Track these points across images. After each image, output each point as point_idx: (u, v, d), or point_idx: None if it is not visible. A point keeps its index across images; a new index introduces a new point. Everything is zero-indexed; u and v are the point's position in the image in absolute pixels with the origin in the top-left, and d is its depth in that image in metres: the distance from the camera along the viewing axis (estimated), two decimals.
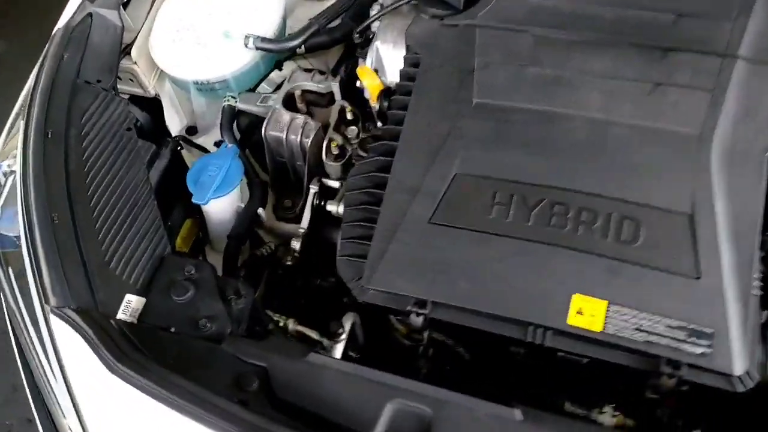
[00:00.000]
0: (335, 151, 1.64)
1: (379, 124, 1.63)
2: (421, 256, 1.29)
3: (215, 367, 1.21)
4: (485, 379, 1.39)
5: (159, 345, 1.26)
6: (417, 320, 1.28)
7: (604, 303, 1.20)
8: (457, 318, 1.27)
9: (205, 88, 1.82)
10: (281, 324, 1.48)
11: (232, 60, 1.78)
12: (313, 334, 1.48)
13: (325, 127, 1.72)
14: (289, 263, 1.68)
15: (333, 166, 1.64)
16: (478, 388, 1.22)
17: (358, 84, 1.68)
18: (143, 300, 1.34)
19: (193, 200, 1.55)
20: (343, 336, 1.42)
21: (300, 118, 1.69)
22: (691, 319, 1.17)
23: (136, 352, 1.23)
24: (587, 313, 1.20)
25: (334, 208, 1.54)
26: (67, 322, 1.25)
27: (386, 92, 1.60)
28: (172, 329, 1.28)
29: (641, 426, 1.28)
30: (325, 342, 1.46)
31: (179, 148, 1.78)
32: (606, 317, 1.19)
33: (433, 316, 1.27)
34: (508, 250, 1.25)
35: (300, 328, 1.48)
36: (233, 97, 1.80)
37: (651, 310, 1.18)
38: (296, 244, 1.57)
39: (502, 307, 1.23)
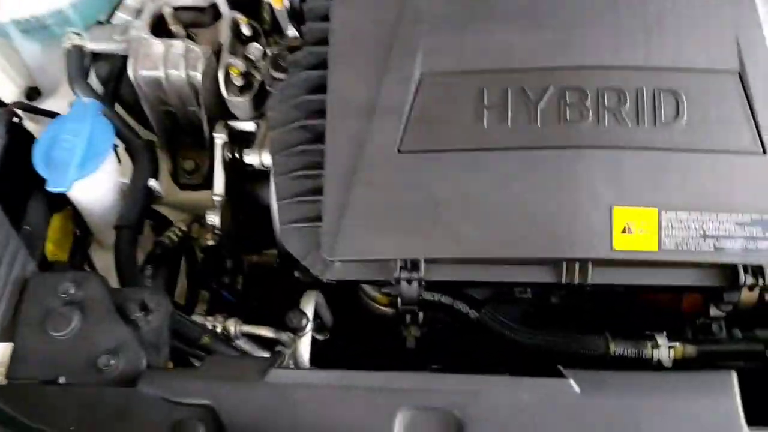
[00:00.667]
0: (238, 81, 1.20)
1: (292, 32, 1.19)
2: (397, 201, 0.92)
3: (137, 422, 0.86)
4: (494, 343, 1.08)
5: (47, 409, 0.87)
6: (409, 288, 0.93)
7: (654, 211, 0.89)
8: (463, 273, 0.93)
9: (34, 27, 1.29)
10: (219, 330, 1.09)
11: None
12: (268, 332, 1.10)
13: (216, 52, 1.25)
14: (210, 244, 1.26)
15: (239, 102, 1.20)
16: (498, 358, 0.91)
17: None
18: (9, 346, 0.92)
19: (49, 188, 1.07)
20: (308, 327, 1.05)
21: (178, 45, 1.21)
22: (765, 208, 0.89)
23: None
24: (636, 229, 0.90)
25: (255, 158, 1.12)
26: None
27: None
28: (61, 380, 0.88)
29: (707, 352, 1.04)
30: (285, 338, 1.09)
31: (16, 119, 1.26)
32: (660, 230, 0.89)
33: (430, 279, 0.93)
34: (515, 168, 0.91)
35: (247, 328, 1.09)
36: (78, 34, 1.29)
37: (714, 207, 0.89)
38: (214, 218, 1.14)
39: (521, 246, 0.90)
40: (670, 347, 1.03)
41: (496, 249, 0.90)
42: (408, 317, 1.19)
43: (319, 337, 1.29)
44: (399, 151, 0.93)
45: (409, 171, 0.92)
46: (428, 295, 1.09)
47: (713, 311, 0.97)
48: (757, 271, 0.88)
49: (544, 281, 0.91)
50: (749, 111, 0.91)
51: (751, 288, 0.89)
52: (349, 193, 0.92)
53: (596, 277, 0.90)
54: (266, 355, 1.12)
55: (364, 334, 1.33)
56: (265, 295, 1.34)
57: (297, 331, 1.04)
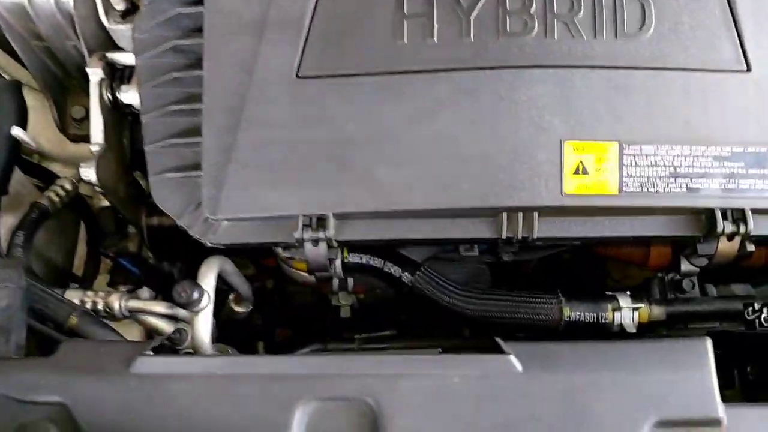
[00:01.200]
0: (119, 5, 0.98)
1: None
2: (296, 141, 0.73)
3: None
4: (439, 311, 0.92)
5: None
6: (316, 251, 0.75)
7: (613, 146, 0.72)
8: (381, 231, 0.75)
9: None
10: (101, 307, 0.90)
11: None
12: (161, 308, 0.92)
13: None
14: (104, 205, 1.07)
15: (123, 31, 0.98)
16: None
17: None
18: None
19: None
20: (205, 301, 0.87)
21: None
22: (748, 139, 0.73)
23: None
24: (591, 168, 0.73)
25: (133, 97, 0.91)
26: None
27: None
28: None
29: (677, 314, 0.89)
30: (183, 315, 0.91)
31: None
32: (621, 168, 0.72)
33: (341, 239, 0.75)
34: (442, 95, 0.72)
35: (135, 304, 0.91)
36: None
37: (687, 139, 0.72)
38: (89, 172, 0.94)
39: (451, 195, 0.72)
40: (634, 309, 0.88)
41: (421, 199, 0.73)
42: (335, 283, 1.02)
43: (239, 309, 1.12)
44: (297, 76, 0.74)
45: (311, 102, 0.73)
46: (354, 257, 0.92)
47: (685, 266, 0.82)
48: (738, 216, 0.72)
49: (481, 237, 0.74)
50: (730, 19, 0.73)
51: (730, 237, 0.73)
52: (235, 133, 0.73)
53: (544, 229, 0.73)
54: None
55: (298, 304, 1.17)
56: (173, 264, 1.15)
57: (188, 306, 0.86)
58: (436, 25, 0.72)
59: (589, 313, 0.88)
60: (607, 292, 0.90)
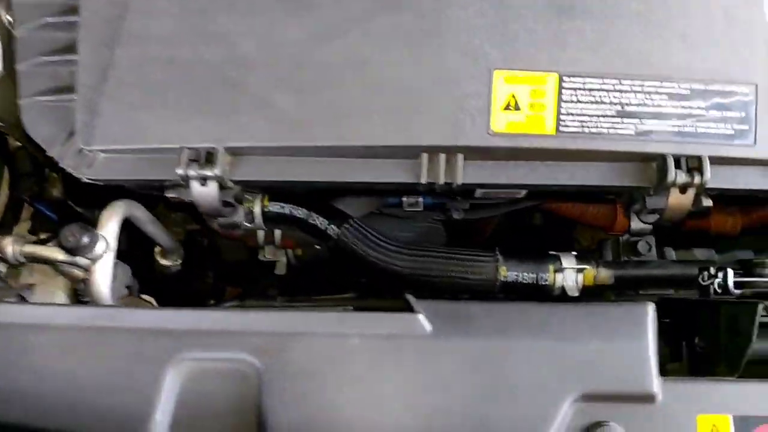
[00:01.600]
0: None
1: None
2: (184, 59, 0.62)
3: None
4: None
5: None
6: (205, 192, 0.65)
7: (552, 78, 0.62)
8: (283, 171, 0.65)
9: None
10: None
11: None
12: (58, 255, 0.82)
13: None
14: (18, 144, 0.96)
15: None
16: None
17: None
18: None
19: None
20: (101, 248, 0.77)
21: None
22: (710, 76, 0.63)
23: None
24: (525, 103, 0.62)
25: None
26: None
27: None
28: None
29: (626, 278, 0.80)
30: (83, 263, 0.82)
31: None
32: (559, 105, 0.62)
33: (236, 179, 0.65)
34: (356, 10, 0.61)
35: (31, 249, 0.81)
36: None
37: (638, 72, 0.61)
38: None
39: (363, 130, 0.62)
40: (578, 271, 0.79)
41: (326, 133, 0.62)
42: (260, 236, 0.93)
43: (165, 262, 1.03)
44: None
45: (201, 14, 0.62)
46: (275, 206, 0.83)
47: (635, 223, 0.73)
48: (693, 165, 0.62)
49: (397, 181, 0.65)
50: None
51: (683, 189, 0.63)
52: (113, 49, 0.63)
53: (471, 174, 0.64)
54: None
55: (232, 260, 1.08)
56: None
57: (78, 252, 0.77)
58: None
59: (528, 273, 0.79)
60: (551, 252, 0.81)
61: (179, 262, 1.05)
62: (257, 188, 0.71)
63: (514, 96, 0.61)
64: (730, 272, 0.67)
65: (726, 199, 0.90)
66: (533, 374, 0.57)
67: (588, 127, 0.61)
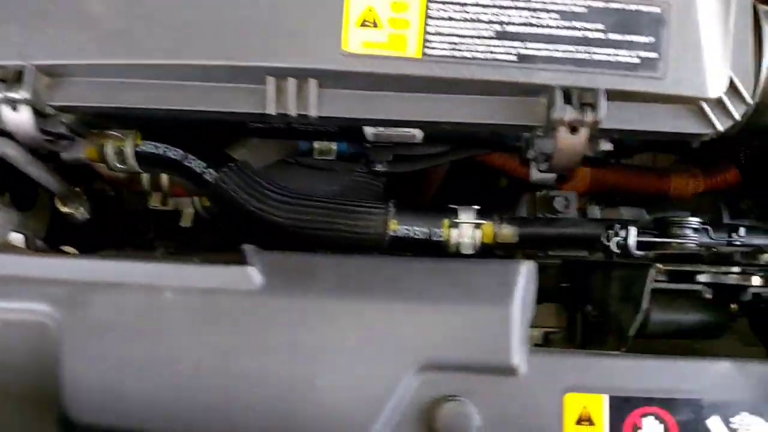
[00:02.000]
0: None
1: None
2: None
3: None
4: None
5: None
6: (17, 118, 0.56)
7: None
8: (106, 95, 0.54)
9: None
10: None
11: None
12: None
13: None
14: None
15: None
16: None
17: None
18: None
19: None
20: None
21: None
22: None
23: None
24: (382, 19, 0.52)
25: None
26: None
27: None
28: None
29: (530, 236, 0.70)
30: None
31: None
32: (427, 21, 0.52)
33: (55, 104, 0.56)
34: None
35: None
36: None
37: None
38: None
39: (194, 46, 0.51)
40: (476, 226, 0.69)
41: (155, 49, 0.52)
42: (144, 180, 0.85)
43: (66, 210, 0.95)
44: None
45: None
46: (148, 145, 0.74)
47: (534, 173, 0.63)
48: (587, 100, 0.52)
49: (242, 110, 0.55)
50: None
51: (574, 128, 0.53)
52: None
53: (328, 106, 0.54)
54: None
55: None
56: None
57: None
58: None
59: (421, 227, 0.70)
60: (452, 206, 0.72)
61: (81, 210, 0.97)
62: (101, 116, 0.61)
63: (371, 9, 0.51)
64: (633, 230, 0.57)
65: (689, 157, 0.81)
66: (371, 339, 0.48)
67: (460, 50, 0.51)
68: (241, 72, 0.53)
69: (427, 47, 0.51)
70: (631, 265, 0.56)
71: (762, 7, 0.61)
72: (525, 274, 0.51)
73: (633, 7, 0.51)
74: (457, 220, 0.68)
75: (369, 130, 0.63)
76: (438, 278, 0.51)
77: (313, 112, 0.53)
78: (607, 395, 0.48)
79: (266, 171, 0.86)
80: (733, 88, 0.53)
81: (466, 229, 0.68)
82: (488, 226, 0.68)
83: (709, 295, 0.51)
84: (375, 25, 0.51)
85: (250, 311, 0.49)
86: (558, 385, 0.49)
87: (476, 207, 0.71)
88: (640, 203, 0.83)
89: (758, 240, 0.64)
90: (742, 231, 0.62)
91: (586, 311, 0.61)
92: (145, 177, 0.87)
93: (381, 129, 0.61)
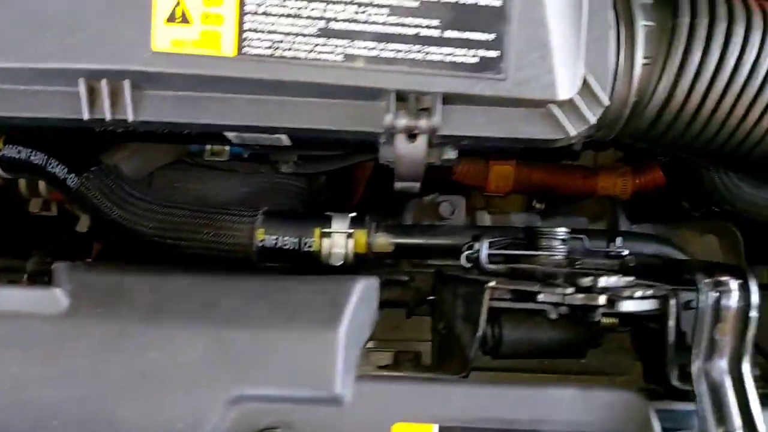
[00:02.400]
0: None
1: None
2: None
3: None
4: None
5: None
6: None
7: None
8: None
9: None
10: None
11: None
12: None
13: None
14: None
15: None
16: None
17: None
18: None
19: None
20: None
21: None
22: None
23: None
24: (197, 13, 0.47)
25: None
26: None
27: None
28: None
29: (407, 246, 0.65)
30: None
31: None
32: (243, 18, 0.47)
33: None
34: None
35: None
36: None
37: None
38: None
39: (11, 49, 0.47)
40: (348, 236, 0.65)
41: None
42: (22, 185, 0.80)
43: None
44: None
45: None
46: (10, 150, 0.69)
47: (398, 183, 0.59)
48: (423, 105, 0.47)
49: (56, 116, 0.50)
50: None
51: (411, 135, 0.49)
52: None
53: (147, 110, 0.49)
54: None
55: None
56: None
57: None
58: None
59: (291, 237, 0.66)
60: (327, 213, 0.68)
61: None
62: None
63: (181, 3, 0.46)
64: (485, 243, 0.53)
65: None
66: (182, 367, 0.44)
67: (280, 49, 0.46)
68: (52, 75, 0.48)
69: (244, 46, 0.46)
70: (473, 281, 0.52)
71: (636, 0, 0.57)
72: (360, 292, 0.47)
73: (471, 0, 0.46)
74: (327, 230, 0.64)
75: (230, 135, 0.58)
76: (261, 299, 0.46)
77: (129, 116, 0.49)
78: (437, 425, 0.45)
79: (165, 174, 0.82)
80: (587, 89, 0.49)
81: (338, 239, 0.64)
82: (362, 234, 0.64)
83: (554, 316, 0.47)
84: (186, 21, 0.46)
85: (53, 336, 0.45)
86: (386, 415, 0.45)
87: (352, 214, 0.67)
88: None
89: (639, 247, 0.61)
90: (619, 241, 0.58)
91: (439, 329, 0.57)
92: (23, 182, 0.83)
93: (243, 133, 0.57)
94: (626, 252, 0.56)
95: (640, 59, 0.54)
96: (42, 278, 0.79)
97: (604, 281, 0.44)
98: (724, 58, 0.53)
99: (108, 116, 0.49)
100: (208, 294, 0.47)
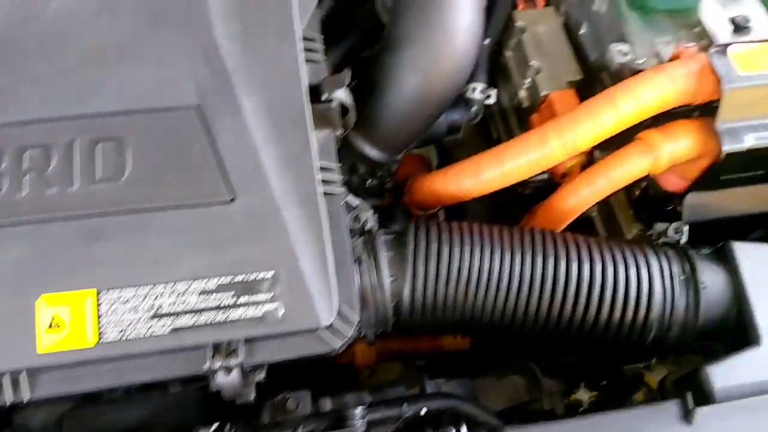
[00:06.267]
0: None
1: None
2: None
3: None
4: None
5: None
6: None
7: (88, 294, 0.70)
8: None
9: None
10: None
11: None
12: None
13: None
14: None
15: None
16: None
17: None
18: None
19: None
20: None
21: None
22: (236, 269, 0.73)
23: None
24: (66, 322, 0.70)
25: None
26: None
27: None
28: None
29: None
30: None
31: None
32: (100, 317, 0.70)
33: None
34: None
35: None
36: None
37: (169, 277, 0.72)
38: None
39: None
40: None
41: None
42: None
43: None
44: None
45: None
46: None
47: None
48: (231, 349, 0.70)
49: None
50: (211, 149, 0.75)
51: (227, 369, 0.71)
52: None
53: (39, 390, 0.70)
54: None
55: None
56: None
57: None
58: None
59: None
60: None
61: None
62: None
63: (57, 316, 0.69)
64: None
65: None
66: None
67: (126, 333, 0.69)
68: None
69: (102, 336, 0.68)
70: None
71: (380, 237, 0.85)
72: None
73: (252, 276, 0.72)
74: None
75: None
76: None
77: (25, 398, 0.68)
78: None
79: (74, 415, 0.97)
80: (341, 315, 0.74)
81: None
82: None
83: None
84: (59, 327, 0.68)
85: None
86: None
87: (215, 425, 0.85)
88: None
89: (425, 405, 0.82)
90: (405, 406, 0.80)
91: None
92: None
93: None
94: (410, 413, 0.77)
95: (387, 278, 0.81)
96: None
97: None
98: (440, 265, 0.81)
99: (8, 401, 0.68)
100: None
